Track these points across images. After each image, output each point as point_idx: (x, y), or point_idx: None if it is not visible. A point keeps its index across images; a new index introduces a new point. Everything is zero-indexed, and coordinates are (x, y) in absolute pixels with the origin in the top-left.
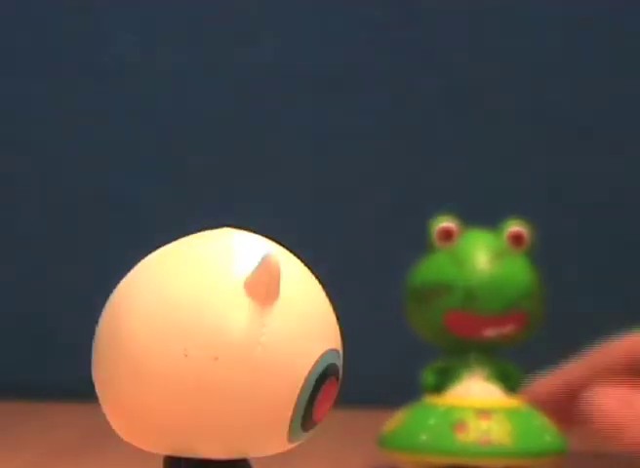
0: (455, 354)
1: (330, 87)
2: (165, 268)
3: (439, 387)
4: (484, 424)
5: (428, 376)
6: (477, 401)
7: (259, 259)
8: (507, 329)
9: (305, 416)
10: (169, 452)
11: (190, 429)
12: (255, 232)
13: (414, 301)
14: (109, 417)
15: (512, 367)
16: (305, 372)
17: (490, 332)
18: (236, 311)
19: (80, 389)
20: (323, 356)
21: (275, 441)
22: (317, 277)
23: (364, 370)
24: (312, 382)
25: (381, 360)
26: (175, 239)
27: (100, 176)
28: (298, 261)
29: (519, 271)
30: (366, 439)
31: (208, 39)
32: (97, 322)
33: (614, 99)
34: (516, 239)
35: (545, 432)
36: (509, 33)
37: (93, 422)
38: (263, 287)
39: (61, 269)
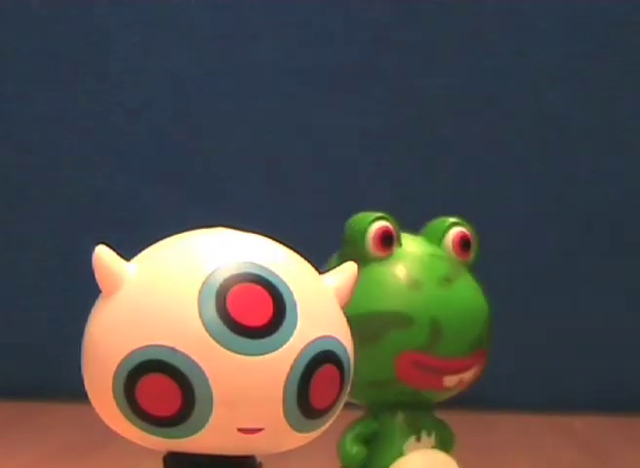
0: (387, 413)
1: (330, 87)
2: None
3: (365, 461)
4: None
5: (352, 447)
6: None
7: None
8: (467, 376)
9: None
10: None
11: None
12: (254, 230)
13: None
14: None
15: (447, 426)
16: (115, 363)
17: (450, 382)
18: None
19: (80, 389)
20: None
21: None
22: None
23: None
24: (124, 373)
25: None
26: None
27: (101, 176)
28: (301, 259)
29: (479, 294)
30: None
31: (208, 39)
32: None
33: (614, 100)
34: (464, 246)
35: None
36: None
37: (93, 422)
38: (97, 278)
39: (62, 270)
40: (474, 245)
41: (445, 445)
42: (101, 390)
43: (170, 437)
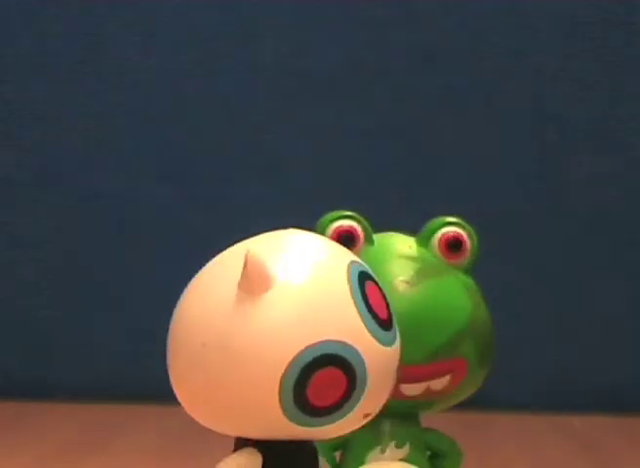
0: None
1: (329, 87)
2: (218, 267)
3: None
4: None
5: (327, 456)
6: None
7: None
8: (437, 384)
9: (299, 402)
10: (226, 432)
11: (218, 410)
12: (254, 230)
13: None
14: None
15: (448, 440)
16: (286, 361)
17: (411, 391)
18: (226, 303)
19: (80, 389)
20: (313, 346)
21: (275, 422)
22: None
23: None
24: (297, 370)
25: None
26: (174, 237)
27: (101, 176)
28: (332, 258)
29: (455, 297)
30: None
31: (208, 39)
32: (96, 322)
33: (614, 100)
34: (451, 248)
35: None
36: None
37: (93, 422)
38: (245, 280)
39: (62, 270)
40: (469, 247)
41: (420, 458)
42: (258, 389)
43: (315, 425)
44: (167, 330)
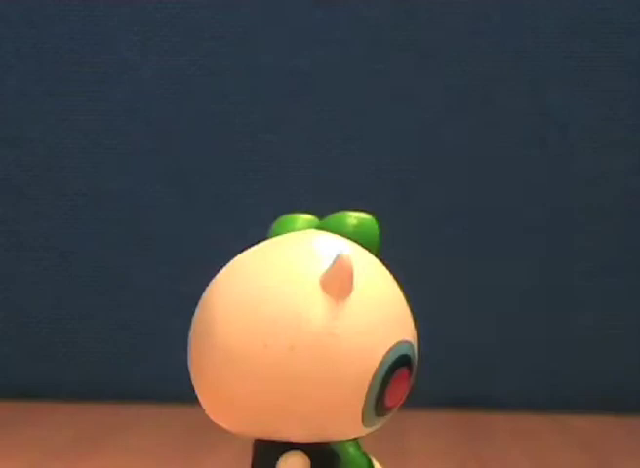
0: None
1: (330, 87)
2: (253, 267)
3: None
4: None
5: None
6: None
7: (333, 258)
8: None
9: (378, 403)
10: (255, 435)
11: (272, 413)
12: (254, 230)
13: None
14: (202, 401)
15: (359, 454)
16: (376, 362)
17: None
18: (311, 305)
19: (80, 389)
20: (394, 347)
21: (351, 425)
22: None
23: None
24: (383, 372)
25: None
26: (174, 237)
27: (101, 176)
28: (374, 259)
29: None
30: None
31: (208, 39)
32: (96, 322)
33: (614, 100)
34: None
35: None
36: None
37: (92, 422)
38: (337, 283)
39: (62, 270)
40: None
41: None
42: (348, 390)
43: (371, 426)
44: (166, 330)
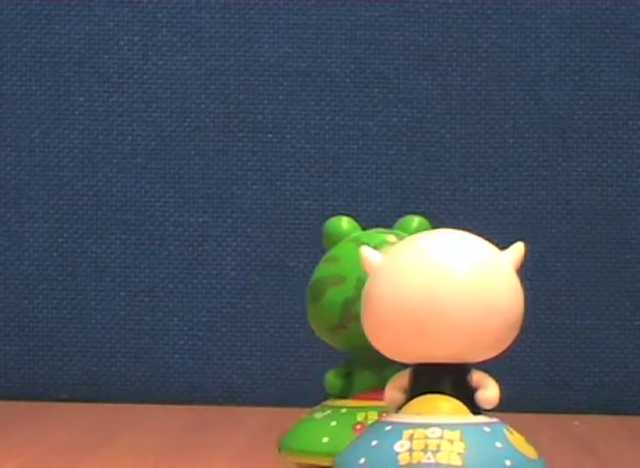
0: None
1: (329, 87)
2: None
3: (345, 391)
4: None
5: (334, 380)
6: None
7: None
8: None
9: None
10: (413, 360)
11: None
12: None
13: (312, 300)
14: (373, 339)
15: None
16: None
17: None
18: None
19: (80, 389)
20: None
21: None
22: None
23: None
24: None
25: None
26: (174, 237)
27: (101, 176)
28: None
29: None
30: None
31: (208, 39)
32: (96, 322)
33: (614, 100)
34: None
35: None
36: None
37: (92, 422)
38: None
39: (62, 270)
40: None
41: None
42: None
43: None
44: (166, 330)
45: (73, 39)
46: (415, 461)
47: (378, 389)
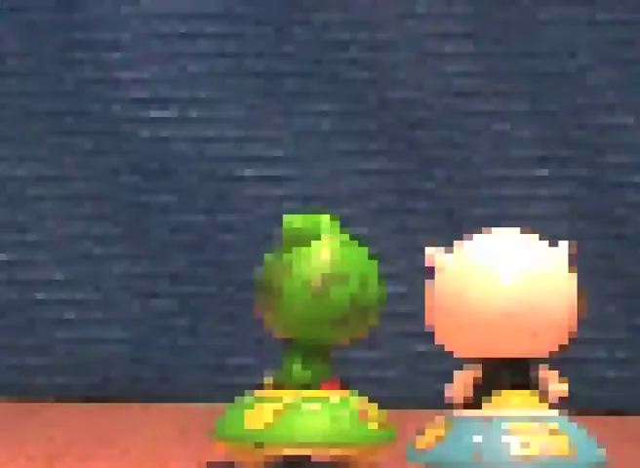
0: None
1: (329, 86)
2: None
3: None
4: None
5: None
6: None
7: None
8: None
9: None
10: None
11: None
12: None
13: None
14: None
15: None
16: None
17: None
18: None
19: (80, 389)
20: None
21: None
22: None
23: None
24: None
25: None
26: (174, 237)
27: (101, 176)
28: None
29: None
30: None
31: (208, 39)
32: (96, 322)
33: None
34: None
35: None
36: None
37: (92, 422)
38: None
39: (62, 270)
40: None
41: None
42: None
43: None
44: (167, 330)
45: (73, 39)
46: (527, 453)
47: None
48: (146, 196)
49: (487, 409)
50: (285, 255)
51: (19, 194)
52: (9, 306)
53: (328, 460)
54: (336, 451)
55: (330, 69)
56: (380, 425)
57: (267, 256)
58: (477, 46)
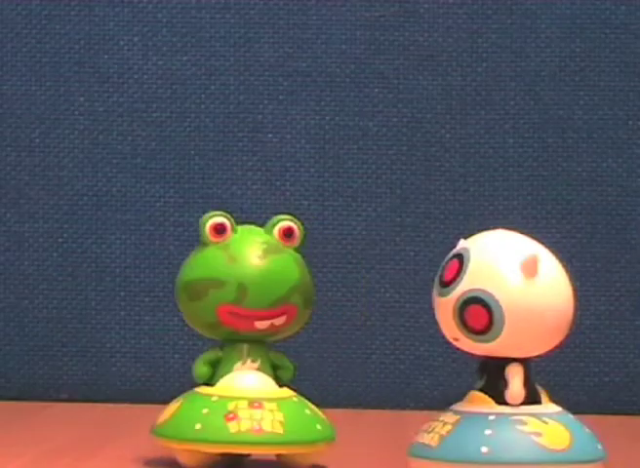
0: (228, 345)
1: (329, 87)
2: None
3: (211, 378)
4: (256, 413)
5: (201, 367)
6: (249, 391)
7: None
8: (278, 321)
9: None
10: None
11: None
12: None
13: (187, 296)
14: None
15: (285, 358)
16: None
17: (261, 325)
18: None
19: (80, 389)
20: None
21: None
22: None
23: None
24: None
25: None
26: (174, 237)
27: (101, 176)
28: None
29: (288, 267)
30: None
31: (208, 39)
32: (96, 322)
33: (614, 100)
34: (286, 235)
35: (316, 421)
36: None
37: (92, 422)
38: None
39: (62, 270)
40: (297, 235)
41: (267, 368)
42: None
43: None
44: (166, 330)
45: (73, 39)
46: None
47: None
48: None
49: (490, 405)
50: None
51: None
52: None
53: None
54: (280, 450)
55: None
56: (325, 425)
57: None
58: None
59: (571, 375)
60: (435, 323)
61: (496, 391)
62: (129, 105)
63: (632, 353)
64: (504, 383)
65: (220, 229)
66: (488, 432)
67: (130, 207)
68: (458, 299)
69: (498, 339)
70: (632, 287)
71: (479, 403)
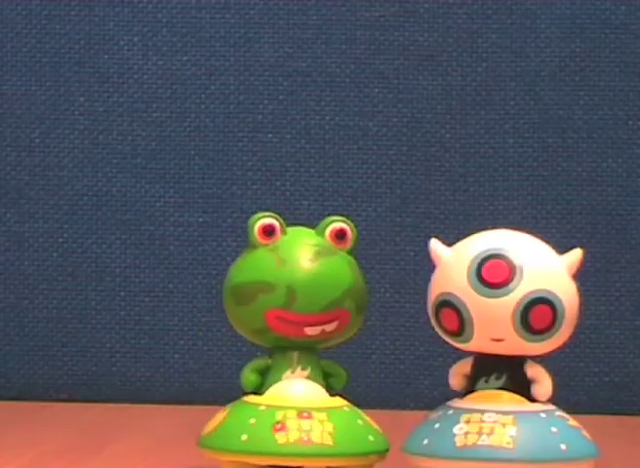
0: (277, 352)
1: (329, 87)
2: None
3: (260, 386)
4: (305, 424)
5: (249, 375)
6: (298, 400)
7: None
8: (329, 327)
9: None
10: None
11: None
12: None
13: (234, 300)
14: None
15: (336, 366)
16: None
17: (311, 331)
18: None
19: (80, 389)
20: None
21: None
22: None
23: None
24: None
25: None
26: (174, 237)
27: (101, 176)
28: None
29: (340, 270)
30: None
31: (208, 39)
32: (96, 322)
33: (613, 100)
34: (338, 237)
35: (368, 432)
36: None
37: (92, 422)
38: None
39: (62, 270)
40: (350, 237)
41: (317, 377)
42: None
43: (459, 342)
44: (166, 330)
45: (73, 39)
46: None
47: None
48: None
49: (462, 401)
50: None
51: None
52: None
53: None
54: (329, 462)
55: None
56: (377, 435)
57: None
58: None
59: (571, 375)
60: None
61: (522, 389)
62: (129, 105)
63: (632, 353)
64: (529, 381)
65: (269, 231)
66: (554, 429)
67: (130, 207)
68: (521, 300)
69: (550, 339)
70: (632, 287)
71: (509, 402)
